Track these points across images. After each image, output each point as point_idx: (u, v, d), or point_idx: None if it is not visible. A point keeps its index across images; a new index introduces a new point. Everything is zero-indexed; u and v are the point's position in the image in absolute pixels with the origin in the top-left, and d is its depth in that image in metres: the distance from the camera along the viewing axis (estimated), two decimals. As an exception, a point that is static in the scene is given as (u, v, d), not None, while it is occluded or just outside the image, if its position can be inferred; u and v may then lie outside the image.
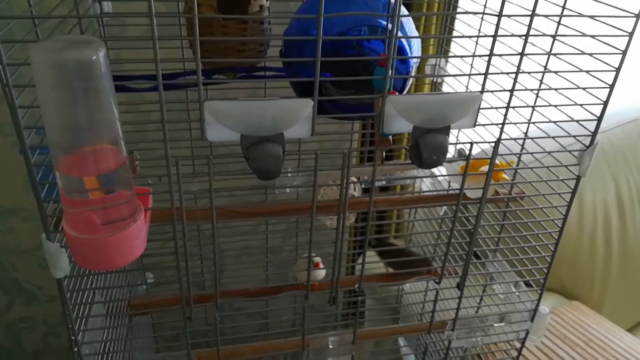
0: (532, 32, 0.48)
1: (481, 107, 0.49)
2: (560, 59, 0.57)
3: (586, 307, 1.10)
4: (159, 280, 0.93)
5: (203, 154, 0.87)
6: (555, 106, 0.56)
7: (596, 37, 0.52)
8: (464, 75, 0.50)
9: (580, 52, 0.52)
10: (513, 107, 0.53)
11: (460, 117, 0.47)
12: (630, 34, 0.50)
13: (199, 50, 0.39)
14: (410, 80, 0.68)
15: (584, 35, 0.52)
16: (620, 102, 1.35)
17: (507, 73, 0.51)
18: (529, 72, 0.53)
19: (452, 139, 0.60)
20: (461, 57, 0.64)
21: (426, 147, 0.46)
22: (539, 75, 0.62)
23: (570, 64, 0.55)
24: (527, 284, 0.74)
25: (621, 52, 0.50)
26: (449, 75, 0.65)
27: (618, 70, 0.51)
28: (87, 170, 0.39)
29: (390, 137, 0.50)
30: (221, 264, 1.06)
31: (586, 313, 1.07)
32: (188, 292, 0.55)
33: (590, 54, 0.52)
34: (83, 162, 0.38)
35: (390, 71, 0.45)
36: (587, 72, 0.53)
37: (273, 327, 1.15)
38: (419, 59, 0.80)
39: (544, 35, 0.54)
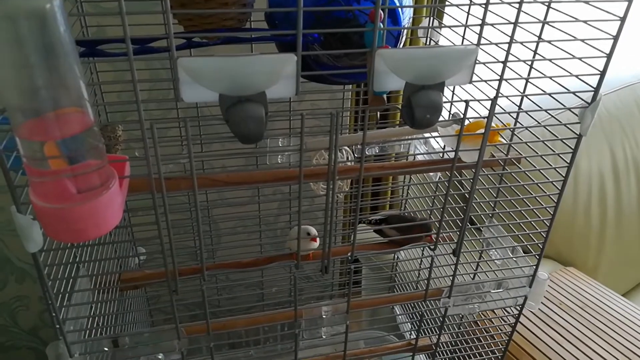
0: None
1: (477, 63, 0.46)
2: (559, 11, 0.54)
3: (581, 273, 1.10)
4: (153, 254, 0.91)
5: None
6: (551, 60, 0.53)
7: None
8: (458, 26, 0.47)
9: (581, 0, 0.49)
10: (508, 63, 0.50)
11: (454, 73, 0.44)
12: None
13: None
14: (403, 42, 0.65)
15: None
16: (616, 68, 1.32)
17: (504, 23, 0.48)
18: (526, 23, 0.50)
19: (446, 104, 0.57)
20: (457, 5, 0.60)
21: (419, 105, 0.43)
22: (537, 32, 0.58)
23: (570, 16, 0.52)
24: (524, 250, 0.72)
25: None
26: (442, 27, 0.62)
27: (623, 20, 0.48)
28: (46, 134, 0.36)
29: (384, 97, 0.48)
30: (215, 235, 1.04)
31: (581, 279, 1.07)
32: (173, 264, 0.53)
33: (586, 1, 0.49)
34: (42, 126, 0.35)
35: (380, 25, 0.42)
36: (586, 22, 0.50)
37: (270, 298, 1.14)
38: (410, 21, 0.76)
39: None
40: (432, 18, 0.80)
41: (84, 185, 0.40)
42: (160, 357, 0.61)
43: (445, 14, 0.82)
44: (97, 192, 0.40)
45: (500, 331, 0.81)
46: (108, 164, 0.42)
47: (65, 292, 0.56)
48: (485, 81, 0.51)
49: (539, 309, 0.94)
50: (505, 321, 0.79)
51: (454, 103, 0.77)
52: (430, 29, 0.78)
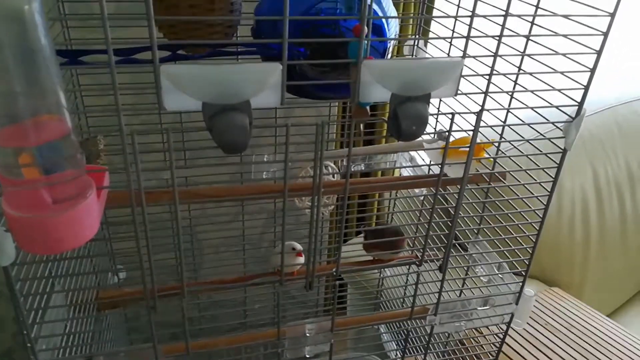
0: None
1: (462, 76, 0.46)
2: (543, 27, 0.55)
3: (566, 293, 1.10)
4: (134, 272, 0.88)
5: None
6: (532, 74, 0.53)
7: (582, 2, 0.49)
8: (443, 38, 0.47)
9: (563, 15, 0.50)
10: (493, 79, 0.51)
11: (440, 85, 0.44)
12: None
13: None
14: (389, 56, 0.66)
15: None
16: (598, 91, 1.36)
17: (488, 36, 0.48)
18: (510, 36, 0.51)
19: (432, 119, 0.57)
20: (444, 16, 0.61)
21: (405, 116, 0.43)
22: (521, 48, 0.59)
23: (553, 32, 0.53)
24: (510, 267, 0.72)
25: (609, 14, 0.48)
26: (430, 39, 0.62)
27: (606, 35, 0.49)
28: (21, 140, 0.34)
29: (368, 108, 0.47)
30: (198, 254, 1.02)
31: (566, 299, 1.07)
32: (151, 278, 0.51)
33: (566, 16, 0.49)
34: (17, 133, 0.34)
35: (365, 34, 0.42)
36: (566, 36, 0.50)
37: (253, 316, 1.12)
38: (397, 39, 0.77)
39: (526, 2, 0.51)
40: (417, 36, 0.81)
41: (60, 195, 0.38)
42: (137, 377, 0.59)
43: (430, 32, 0.83)
44: (73, 202, 0.39)
45: (486, 350, 0.80)
46: (86, 174, 0.41)
47: (39, 308, 0.54)
48: (467, 95, 0.51)
49: (525, 329, 0.93)
50: (489, 340, 0.78)
51: (439, 120, 0.77)
52: (415, 47, 0.79)
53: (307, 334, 0.65)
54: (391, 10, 0.66)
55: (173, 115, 0.87)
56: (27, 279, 0.51)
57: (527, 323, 0.95)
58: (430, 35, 0.84)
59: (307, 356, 0.67)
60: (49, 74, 0.35)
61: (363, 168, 0.83)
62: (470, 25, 0.48)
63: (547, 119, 0.56)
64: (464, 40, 0.48)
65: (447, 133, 0.52)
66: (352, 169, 0.81)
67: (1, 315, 1.12)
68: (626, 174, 1.29)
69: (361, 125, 0.69)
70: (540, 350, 0.89)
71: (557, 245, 1.19)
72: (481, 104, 0.53)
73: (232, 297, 1.06)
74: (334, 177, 0.80)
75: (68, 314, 0.61)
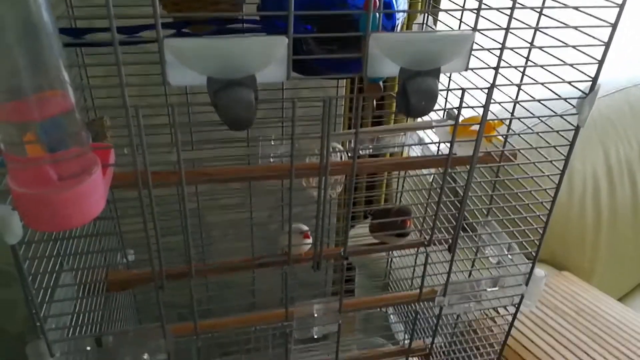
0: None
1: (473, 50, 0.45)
2: (556, 1, 0.53)
3: (576, 277, 1.09)
4: (142, 257, 0.88)
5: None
6: (541, 48, 0.52)
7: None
8: (454, 10, 0.46)
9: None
10: (504, 55, 0.49)
11: (450, 59, 0.42)
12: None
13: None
14: (398, 30, 0.64)
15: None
16: (610, 73, 1.33)
17: (502, 8, 0.47)
18: (522, 8, 0.49)
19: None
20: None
21: (414, 92, 0.42)
22: (533, 24, 0.58)
23: (566, 5, 0.51)
24: (520, 249, 0.71)
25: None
26: (439, 10, 0.61)
27: (622, 7, 0.47)
28: (24, 115, 0.34)
29: (381, 83, 0.46)
30: (207, 236, 1.02)
31: (576, 283, 1.06)
32: (159, 258, 0.51)
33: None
34: (20, 108, 0.34)
35: (375, 6, 0.41)
36: (577, 8, 0.49)
37: (262, 299, 1.12)
38: (405, 17, 0.75)
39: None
40: (426, 14, 0.79)
41: (65, 172, 0.38)
42: (145, 357, 0.59)
43: (440, 11, 0.81)
44: (79, 179, 0.38)
45: (495, 332, 0.80)
46: (92, 152, 0.41)
47: (48, 287, 0.54)
48: (476, 71, 0.50)
49: (534, 313, 0.92)
50: (498, 322, 0.77)
51: (448, 99, 0.76)
52: (425, 25, 0.77)
53: (315, 315, 0.65)
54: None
55: (179, 97, 0.86)
56: (35, 257, 0.51)
57: (536, 307, 0.94)
58: (440, 12, 0.83)
59: (315, 337, 0.67)
60: (52, 49, 0.35)
61: (371, 150, 0.82)
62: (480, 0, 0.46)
63: (559, 96, 0.55)
64: (474, 17, 0.47)
65: (456, 111, 0.51)
66: (360, 152, 0.80)
67: (15, 299, 1.13)
68: (638, 154, 1.27)
69: (374, 101, 0.67)
70: (549, 334, 0.88)
71: (568, 226, 1.18)
72: (492, 81, 0.52)
73: (241, 278, 1.07)
74: (341, 158, 0.79)
75: (77, 293, 0.61)
